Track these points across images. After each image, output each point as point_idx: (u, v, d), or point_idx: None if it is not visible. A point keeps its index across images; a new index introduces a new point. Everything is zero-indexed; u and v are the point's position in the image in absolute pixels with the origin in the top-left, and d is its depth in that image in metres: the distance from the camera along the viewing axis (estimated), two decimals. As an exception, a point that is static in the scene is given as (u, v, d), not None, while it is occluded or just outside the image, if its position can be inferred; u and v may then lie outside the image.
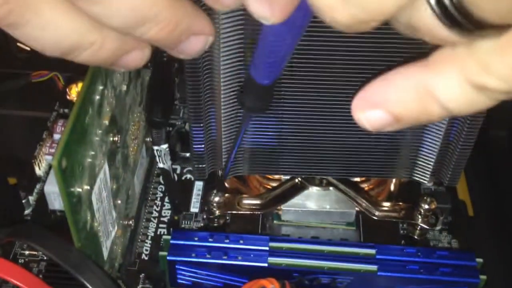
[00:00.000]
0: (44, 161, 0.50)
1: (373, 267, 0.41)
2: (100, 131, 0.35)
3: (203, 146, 0.41)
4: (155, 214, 0.49)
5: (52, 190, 0.39)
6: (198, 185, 0.51)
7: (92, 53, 0.24)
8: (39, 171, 0.50)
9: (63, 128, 0.41)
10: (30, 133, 0.53)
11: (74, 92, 0.49)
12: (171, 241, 0.41)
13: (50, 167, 0.48)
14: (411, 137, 0.41)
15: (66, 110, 0.54)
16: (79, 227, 0.34)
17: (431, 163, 0.41)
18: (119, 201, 0.41)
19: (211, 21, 0.26)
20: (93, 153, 0.34)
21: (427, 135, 0.40)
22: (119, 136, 0.39)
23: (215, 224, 0.47)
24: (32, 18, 0.23)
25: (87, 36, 0.24)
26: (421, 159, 0.42)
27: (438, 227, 0.47)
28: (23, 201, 0.47)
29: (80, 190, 0.33)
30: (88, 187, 0.34)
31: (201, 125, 0.40)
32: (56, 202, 0.40)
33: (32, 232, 0.35)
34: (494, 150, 0.56)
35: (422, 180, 0.43)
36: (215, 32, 0.26)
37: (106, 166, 0.37)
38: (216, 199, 0.46)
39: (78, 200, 0.33)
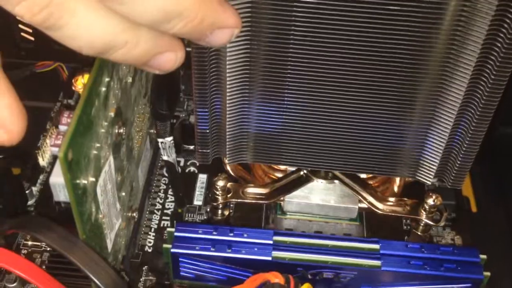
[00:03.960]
0: (48, 152, 0.50)
1: (377, 262, 0.41)
2: (105, 123, 0.35)
3: (207, 128, 0.41)
4: (159, 206, 0.49)
5: (58, 182, 0.39)
6: (202, 177, 0.51)
7: (126, 52, 0.25)
8: (42, 162, 0.50)
9: (68, 120, 0.41)
10: (34, 123, 0.52)
11: (80, 83, 0.48)
12: (175, 234, 0.41)
13: (54, 158, 0.48)
14: (416, 136, 0.40)
15: (70, 101, 0.54)
16: (84, 219, 0.34)
17: (435, 164, 0.41)
18: (123, 193, 0.41)
19: (236, 12, 0.27)
20: (98, 145, 0.34)
21: (433, 135, 0.40)
22: (124, 128, 0.38)
23: (219, 217, 0.47)
24: (69, 19, 0.24)
25: (121, 36, 0.25)
26: (425, 159, 0.42)
27: (442, 223, 0.47)
28: (27, 191, 0.47)
29: (85, 182, 0.33)
30: (94, 179, 0.34)
31: (206, 107, 0.39)
32: (61, 193, 0.40)
33: (37, 224, 0.35)
34: (498, 147, 0.56)
35: (425, 181, 0.43)
36: (240, 23, 0.27)
37: (111, 158, 0.37)
38: (220, 183, 0.45)
39: (83, 192, 0.33)
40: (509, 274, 0.47)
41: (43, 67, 0.54)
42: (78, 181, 0.32)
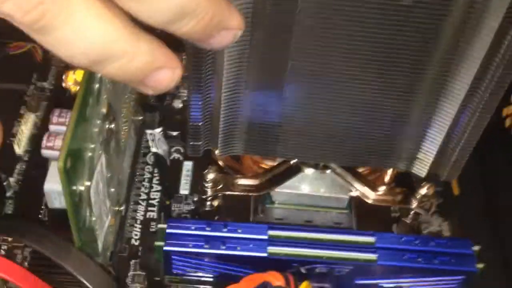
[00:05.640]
0: (24, 140, 0.48)
1: (373, 256, 0.40)
2: (98, 121, 0.33)
3: (200, 120, 0.39)
4: (144, 196, 0.47)
5: (53, 189, 0.37)
6: (187, 165, 0.49)
7: (121, 64, 0.22)
8: (18, 150, 0.47)
9: (60, 119, 0.39)
10: (7, 108, 0.50)
11: (70, 79, 0.45)
12: (167, 231, 0.40)
13: (42, 158, 0.45)
14: (415, 129, 0.39)
15: (44, 83, 0.51)
16: (80, 226, 0.32)
17: (431, 158, 0.41)
18: (112, 189, 0.39)
19: (240, 14, 0.25)
20: (92, 146, 0.32)
21: (432, 128, 0.39)
22: (115, 122, 0.36)
23: (207, 208, 0.46)
24: (67, 20, 0.21)
25: (120, 44, 0.22)
26: (421, 153, 0.41)
27: (432, 211, 0.47)
28: (4, 183, 0.45)
29: (82, 188, 0.31)
30: (89, 183, 0.32)
31: (201, 98, 0.38)
32: (56, 201, 0.38)
33: (26, 229, 0.33)
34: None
35: (419, 173, 0.42)
36: (243, 24, 0.25)
37: (103, 157, 0.35)
38: (210, 176, 0.44)
39: (79, 199, 0.31)
40: (499, 259, 0.47)
41: (16, 48, 0.51)
42: (75, 188, 0.30)
